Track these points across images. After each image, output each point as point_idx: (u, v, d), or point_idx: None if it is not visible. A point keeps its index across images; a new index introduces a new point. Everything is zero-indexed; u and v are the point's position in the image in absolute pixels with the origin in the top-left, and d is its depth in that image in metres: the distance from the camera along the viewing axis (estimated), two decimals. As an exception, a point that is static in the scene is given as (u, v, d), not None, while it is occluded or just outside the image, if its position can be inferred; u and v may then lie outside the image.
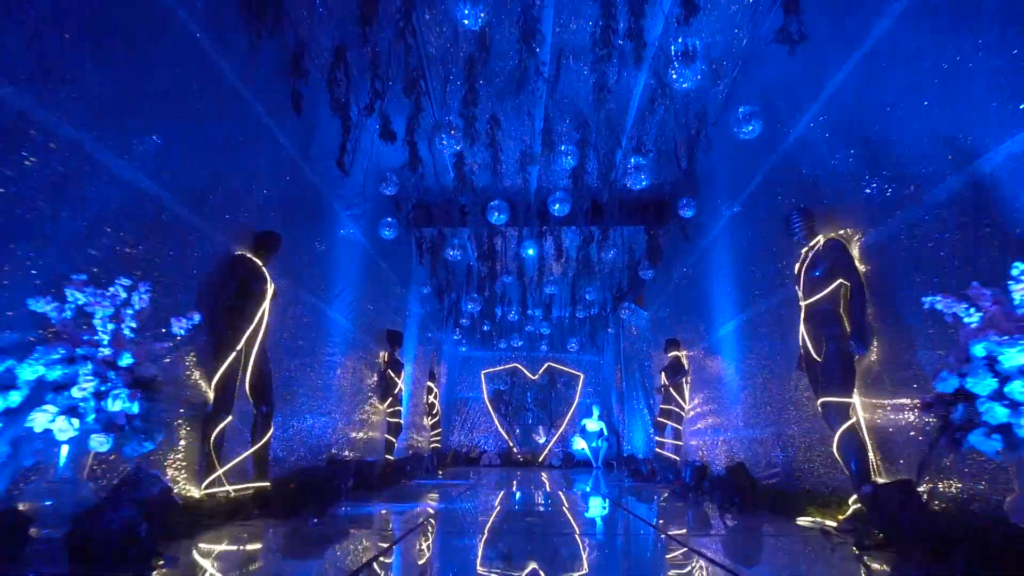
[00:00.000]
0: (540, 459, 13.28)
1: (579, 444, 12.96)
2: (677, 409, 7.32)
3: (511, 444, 13.73)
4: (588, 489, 6.81)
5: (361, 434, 6.87)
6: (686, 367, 7.35)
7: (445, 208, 7.95)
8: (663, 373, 7.65)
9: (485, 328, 12.28)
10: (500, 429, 13.93)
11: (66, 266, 2.52)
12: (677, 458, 7.23)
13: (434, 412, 11.49)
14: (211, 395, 3.58)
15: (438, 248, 8.51)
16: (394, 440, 7.57)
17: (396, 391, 7.62)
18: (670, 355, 7.68)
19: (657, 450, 7.52)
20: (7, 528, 1.98)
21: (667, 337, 7.85)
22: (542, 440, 13.80)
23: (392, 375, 7.62)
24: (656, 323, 9.45)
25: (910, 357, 3.12)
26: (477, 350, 14.50)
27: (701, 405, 6.99)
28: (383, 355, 7.72)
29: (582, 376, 14.27)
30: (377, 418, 7.49)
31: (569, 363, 14.44)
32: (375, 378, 7.45)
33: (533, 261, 8.69)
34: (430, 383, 11.43)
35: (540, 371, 14.34)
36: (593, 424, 13.06)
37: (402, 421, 7.72)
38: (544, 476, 10.07)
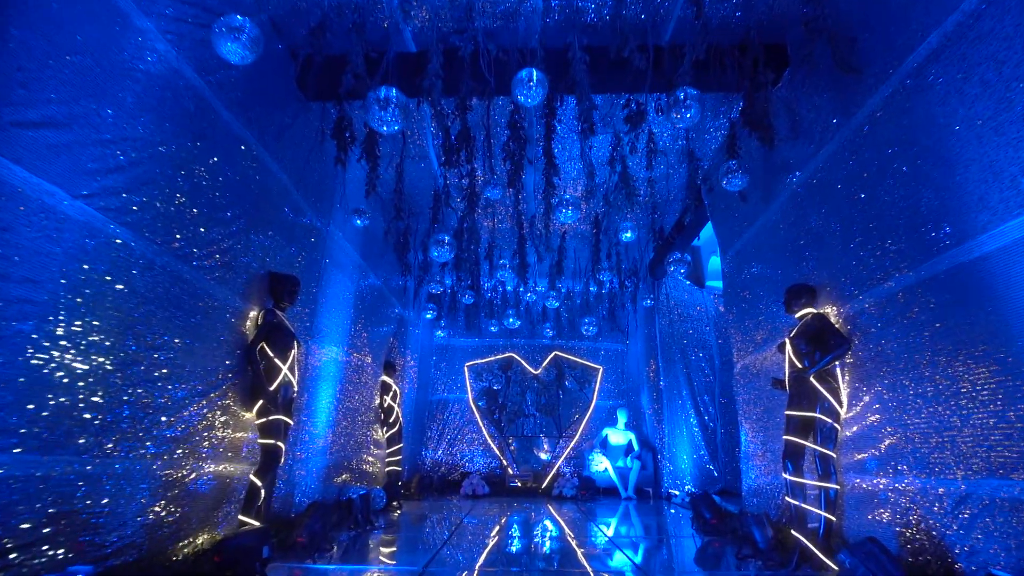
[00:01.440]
0: (544, 485, 9.57)
1: (600, 463, 9.30)
2: (828, 418, 3.68)
3: (504, 463, 10.04)
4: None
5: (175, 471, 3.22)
6: (844, 333, 3.72)
7: (376, 48, 4.33)
8: (789, 348, 4.01)
9: (467, 300, 8.65)
10: (490, 442, 10.24)
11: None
12: (832, 517, 3.59)
13: (392, 420, 7.85)
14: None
15: (373, 138, 4.90)
16: (259, 483, 3.85)
17: (276, 382, 3.98)
18: (801, 315, 4.07)
19: (788, 499, 3.85)
20: None
21: (792, 284, 4.21)
22: (547, 457, 10.13)
23: (270, 352, 3.98)
24: (740, 278, 5.81)
25: None
26: (459, 336, 10.82)
27: (882, 411, 3.38)
28: (255, 316, 4.09)
29: (601, 370, 10.61)
30: (239, 436, 3.85)
31: (584, 352, 10.77)
32: (239, 359, 3.82)
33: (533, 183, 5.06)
34: (386, 378, 7.81)
35: (544, 363, 10.67)
36: (618, 435, 9.41)
37: (281, 445, 4.01)
38: (559, 517, 6.44)
